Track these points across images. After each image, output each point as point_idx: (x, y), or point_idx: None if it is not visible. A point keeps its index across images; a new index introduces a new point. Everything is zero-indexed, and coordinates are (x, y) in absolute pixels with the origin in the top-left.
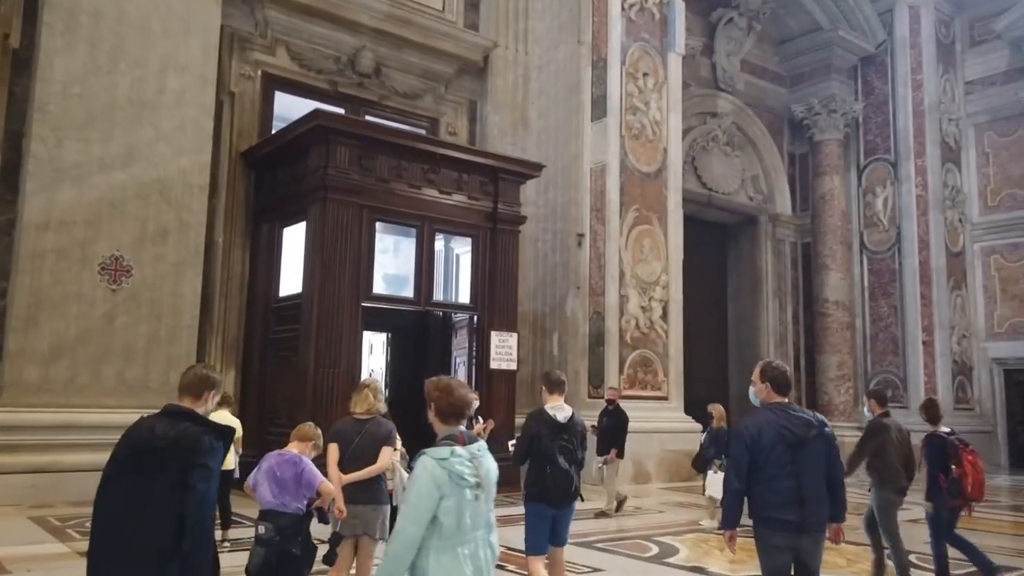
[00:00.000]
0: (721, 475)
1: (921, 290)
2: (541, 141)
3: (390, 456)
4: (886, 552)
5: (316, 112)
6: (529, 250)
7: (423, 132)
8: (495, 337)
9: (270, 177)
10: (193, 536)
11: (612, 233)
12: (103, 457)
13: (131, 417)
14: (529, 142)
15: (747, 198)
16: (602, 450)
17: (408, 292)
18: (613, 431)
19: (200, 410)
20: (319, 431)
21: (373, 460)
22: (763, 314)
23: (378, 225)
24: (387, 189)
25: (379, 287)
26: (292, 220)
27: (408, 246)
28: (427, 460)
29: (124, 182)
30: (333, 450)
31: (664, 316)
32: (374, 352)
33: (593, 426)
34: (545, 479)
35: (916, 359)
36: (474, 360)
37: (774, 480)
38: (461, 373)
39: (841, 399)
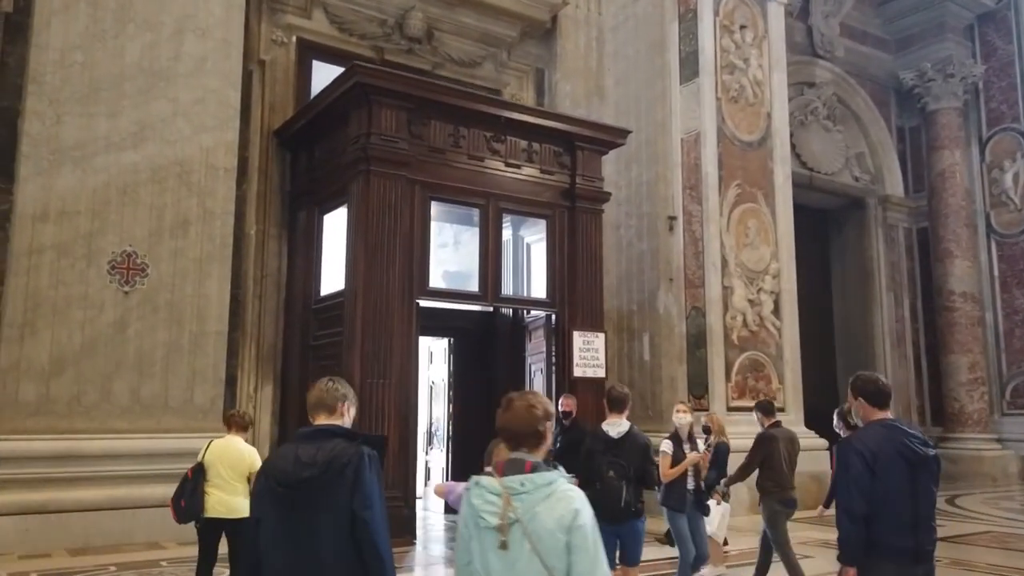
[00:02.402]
0: (726, 506)
1: None
2: (620, 111)
3: None
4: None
5: (355, 67)
6: (610, 238)
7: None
8: (578, 338)
9: (307, 157)
10: (378, 572)
11: (710, 213)
12: (112, 493)
13: (146, 443)
14: (606, 113)
15: (852, 178)
16: None
17: (472, 287)
18: (568, 452)
19: (340, 424)
20: None
21: None
22: (876, 311)
23: (434, 208)
24: (443, 161)
25: (438, 282)
26: (333, 204)
27: (471, 237)
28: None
29: (136, 164)
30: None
31: (776, 311)
32: (434, 361)
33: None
34: (596, 494)
35: None
36: (554, 367)
37: (892, 503)
38: (538, 383)
39: (975, 407)
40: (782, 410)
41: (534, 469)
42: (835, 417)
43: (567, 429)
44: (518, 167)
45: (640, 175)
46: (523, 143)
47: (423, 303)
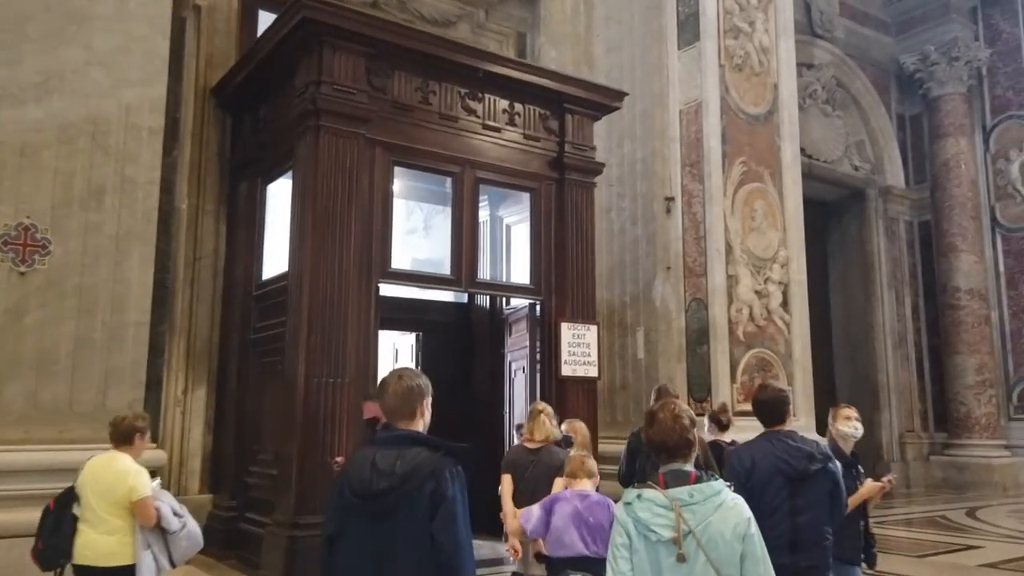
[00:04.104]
0: None
1: None
2: (612, 80)
3: (563, 487)
4: None
5: (301, 2)
6: (601, 223)
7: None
8: (567, 331)
9: (250, 119)
10: None
11: (713, 193)
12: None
13: (46, 456)
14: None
15: (851, 167)
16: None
17: (444, 271)
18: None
19: (420, 428)
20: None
21: (548, 492)
22: (877, 308)
23: (402, 185)
24: (409, 119)
25: (404, 266)
26: (278, 172)
27: (444, 221)
28: (619, 503)
29: (39, 121)
30: (507, 482)
31: (785, 304)
32: (400, 358)
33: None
34: None
35: None
36: (538, 365)
37: (768, 521)
38: (519, 384)
39: (982, 411)
40: (792, 415)
41: (698, 480)
42: (706, 420)
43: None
44: (498, 131)
45: (634, 152)
46: (504, 103)
47: (385, 289)
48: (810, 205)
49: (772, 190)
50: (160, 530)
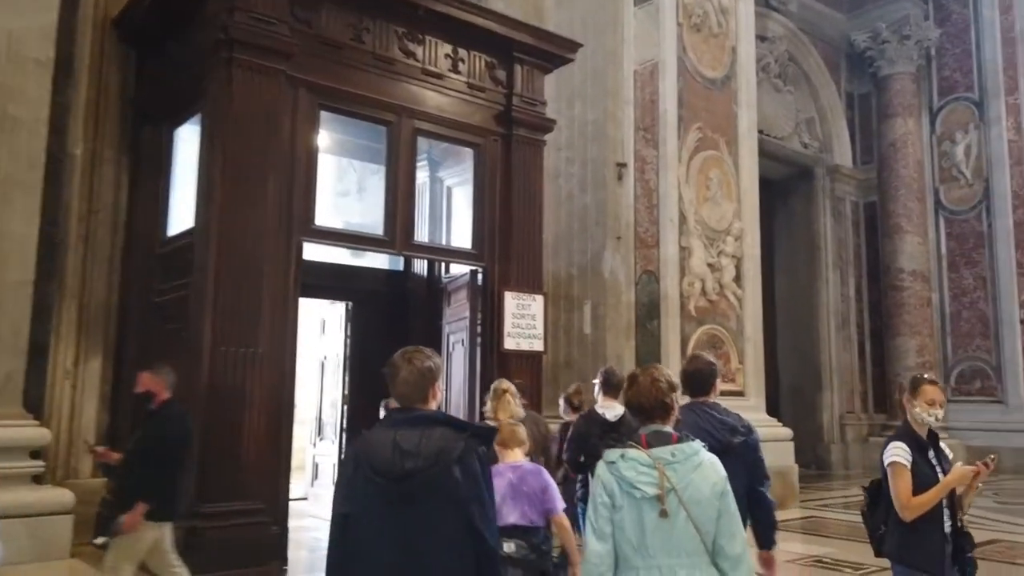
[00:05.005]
0: None
1: (1017, 257)
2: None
3: None
4: None
5: None
6: (548, 189)
7: None
8: (511, 301)
9: (157, 55)
10: None
11: (668, 159)
12: None
13: None
14: None
15: (801, 145)
16: None
17: (376, 232)
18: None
19: (434, 407)
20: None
21: None
22: (822, 289)
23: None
24: (339, 59)
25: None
26: (187, 114)
27: (381, 182)
28: (600, 463)
29: None
30: None
31: (738, 279)
32: (328, 330)
33: None
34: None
35: (1013, 342)
36: (479, 338)
37: None
38: (458, 358)
39: None
40: (741, 394)
41: (679, 440)
42: (561, 402)
43: (151, 415)
44: (439, 78)
45: (585, 114)
46: (447, 47)
47: (312, 253)
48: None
49: (728, 159)
50: None
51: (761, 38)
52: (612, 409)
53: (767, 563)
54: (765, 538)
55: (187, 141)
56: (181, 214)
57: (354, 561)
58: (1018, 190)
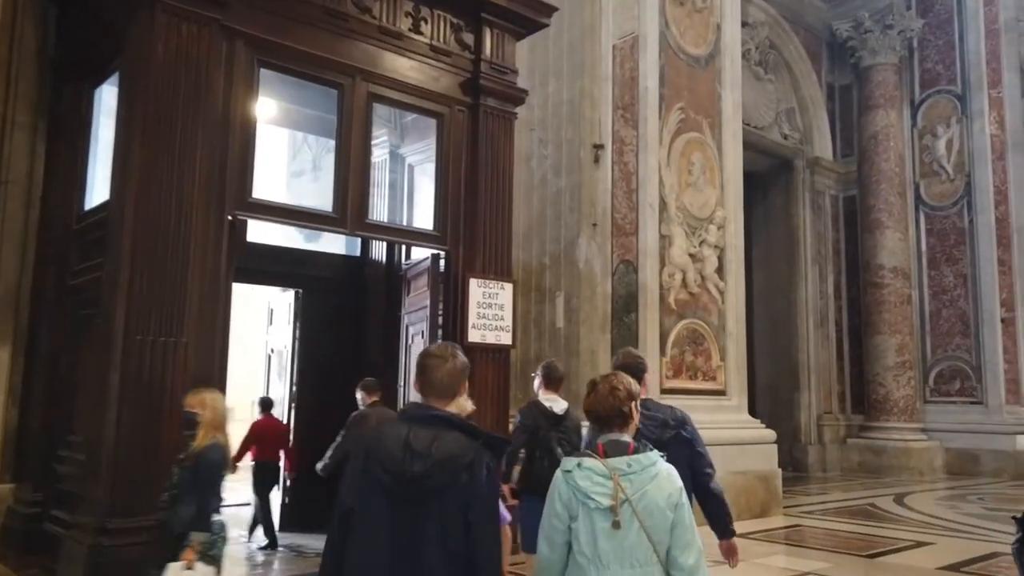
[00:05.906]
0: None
1: (999, 254)
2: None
3: None
4: None
5: None
6: (519, 172)
7: None
8: (477, 289)
9: (79, 10)
10: None
11: (648, 141)
12: None
13: None
14: None
15: (781, 136)
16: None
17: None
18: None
19: (454, 410)
20: None
21: None
22: (800, 285)
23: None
24: (283, 11)
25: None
26: (108, 71)
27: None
28: (557, 471)
29: None
30: None
31: (720, 270)
32: (276, 321)
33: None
34: (544, 471)
35: (994, 341)
36: (440, 329)
37: None
38: (417, 352)
39: (901, 393)
40: (723, 392)
41: (636, 451)
42: (358, 390)
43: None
44: (399, 38)
45: (559, 92)
46: (408, 4)
47: (259, 235)
48: None
49: (711, 143)
50: None
51: (742, 23)
52: (557, 403)
53: (729, 552)
54: (721, 529)
55: (108, 103)
56: (101, 186)
57: (342, 561)
58: (1000, 186)
